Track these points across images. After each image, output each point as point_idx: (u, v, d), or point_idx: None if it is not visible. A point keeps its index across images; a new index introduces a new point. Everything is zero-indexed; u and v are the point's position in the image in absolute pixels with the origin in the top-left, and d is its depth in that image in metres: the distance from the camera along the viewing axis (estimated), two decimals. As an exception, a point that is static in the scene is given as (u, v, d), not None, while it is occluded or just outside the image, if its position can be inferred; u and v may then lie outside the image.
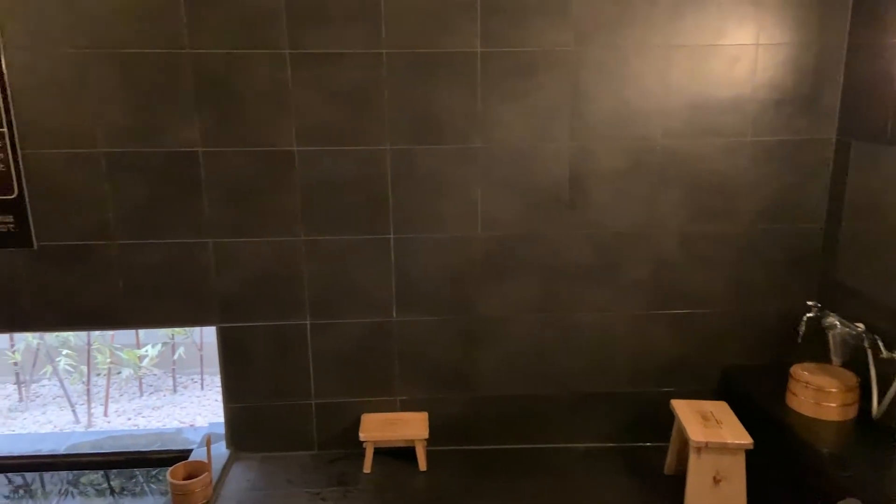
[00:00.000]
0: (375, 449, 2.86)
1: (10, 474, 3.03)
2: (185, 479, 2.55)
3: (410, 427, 2.87)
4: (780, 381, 2.64)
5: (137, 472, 3.05)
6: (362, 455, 2.85)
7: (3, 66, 2.44)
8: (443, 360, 2.94)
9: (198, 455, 2.85)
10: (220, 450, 2.95)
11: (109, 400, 3.75)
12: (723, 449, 2.44)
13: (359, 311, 2.86)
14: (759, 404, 2.65)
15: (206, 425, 3.33)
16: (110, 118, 2.55)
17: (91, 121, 2.55)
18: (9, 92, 2.47)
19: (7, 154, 2.53)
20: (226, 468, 2.86)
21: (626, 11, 2.60)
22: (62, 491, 2.98)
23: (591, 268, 2.86)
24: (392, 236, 2.78)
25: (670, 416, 2.73)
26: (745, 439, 2.44)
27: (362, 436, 2.81)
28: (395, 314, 2.87)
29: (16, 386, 3.87)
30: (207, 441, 2.65)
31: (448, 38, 2.58)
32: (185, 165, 2.62)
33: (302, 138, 2.64)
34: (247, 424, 2.96)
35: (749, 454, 2.46)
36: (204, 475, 2.56)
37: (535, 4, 2.57)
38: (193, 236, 2.71)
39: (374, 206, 2.74)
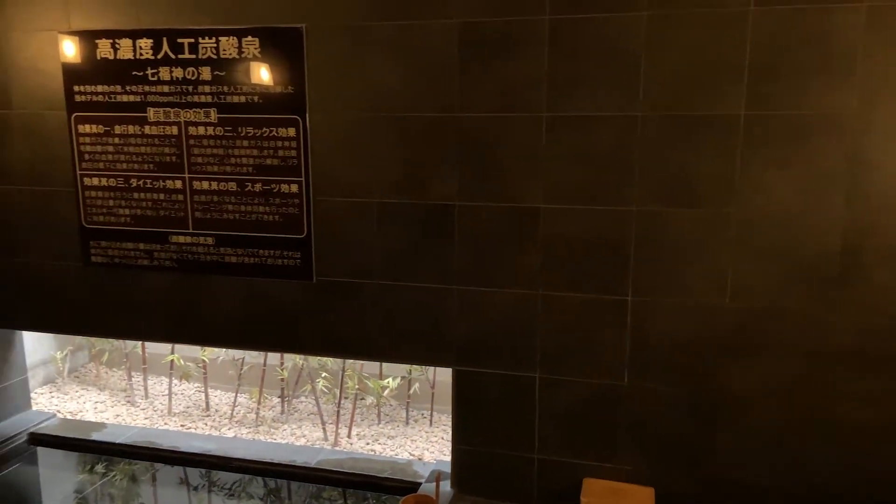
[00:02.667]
0: (596, 516, 2.77)
1: (266, 478, 3.46)
2: (413, 510, 2.70)
3: (635, 501, 2.73)
4: None
5: (370, 496, 3.30)
6: (582, 520, 2.78)
7: (308, 126, 2.91)
8: (674, 434, 2.78)
9: (425, 489, 3.00)
10: (445, 488, 3.07)
11: (353, 423, 4.13)
12: None
13: (589, 370, 2.83)
14: None
15: (434, 462, 3.51)
16: (384, 173, 2.88)
17: (369, 174, 2.90)
18: (309, 148, 2.93)
19: (302, 200, 2.98)
20: (449, 507, 2.97)
21: (924, 70, 2.32)
22: (305, 502, 3.32)
23: (860, 355, 2.52)
24: (630, 298, 2.73)
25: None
26: None
27: (584, 501, 2.74)
28: (626, 379, 2.79)
29: (280, 399, 4.43)
30: (437, 478, 2.79)
31: (709, 101, 2.51)
32: (442, 217, 2.86)
33: (549, 196, 2.74)
34: (472, 467, 3.06)
35: None
36: (431, 510, 2.69)
37: (813, 65, 2.40)
38: (441, 282, 2.92)
39: (614, 267, 2.73)
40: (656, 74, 2.55)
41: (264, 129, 2.95)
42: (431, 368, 4.20)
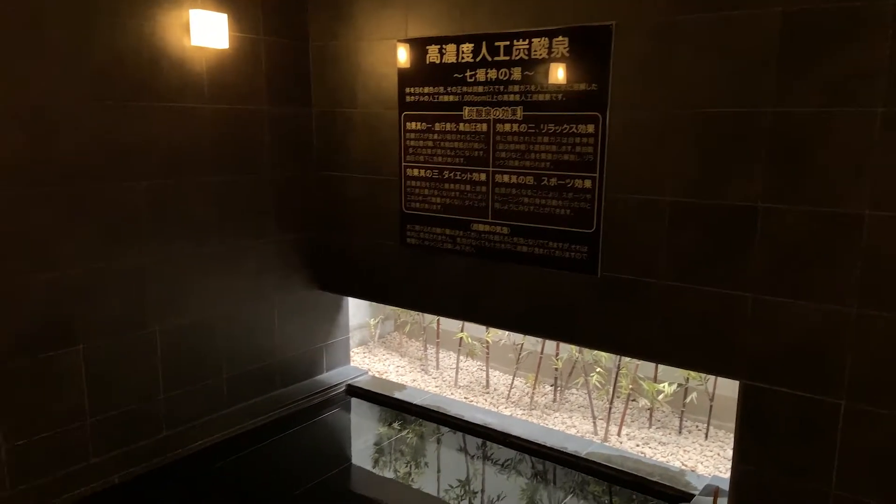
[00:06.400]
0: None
1: (535, 458, 3.63)
2: (686, 519, 2.62)
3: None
4: None
5: (635, 496, 3.26)
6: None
7: (607, 123, 2.97)
8: None
9: (698, 502, 2.88)
10: (722, 505, 2.92)
11: (623, 423, 4.11)
12: None
13: (915, 407, 2.44)
14: None
15: (709, 476, 3.33)
16: (681, 171, 2.82)
17: (664, 172, 2.86)
18: (606, 145, 2.99)
19: (594, 196, 3.06)
20: (725, 525, 2.81)
21: None
22: (571, 489, 3.40)
23: None
24: (980, 329, 2.29)
25: None
26: None
27: (893, 553, 2.39)
28: (965, 424, 2.35)
29: (552, 388, 4.60)
30: (715, 493, 2.66)
31: None
32: (741, 219, 2.70)
33: (878, 202, 2.42)
34: (754, 491, 2.84)
35: None
36: (705, 522, 2.58)
37: None
38: (734, 288, 2.76)
39: (960, 290, 2.31)
40: None
41: (564, 125, 3.09)
42: (711, 379, 3.98)
